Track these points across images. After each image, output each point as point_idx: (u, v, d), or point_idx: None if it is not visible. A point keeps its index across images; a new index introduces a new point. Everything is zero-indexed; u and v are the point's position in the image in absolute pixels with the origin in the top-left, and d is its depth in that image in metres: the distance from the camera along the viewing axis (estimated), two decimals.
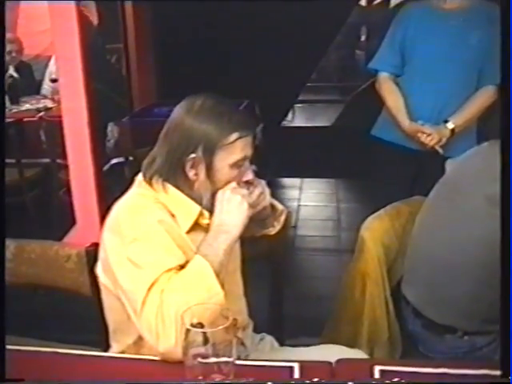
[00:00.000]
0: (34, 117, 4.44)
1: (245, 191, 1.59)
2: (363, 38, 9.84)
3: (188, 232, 1.59)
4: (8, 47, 5.27)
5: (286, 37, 5.26)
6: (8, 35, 5.71)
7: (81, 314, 1.95)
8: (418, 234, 1.99)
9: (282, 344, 1.99)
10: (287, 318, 2.21)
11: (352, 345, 1.88)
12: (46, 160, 4.35)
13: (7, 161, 4.05)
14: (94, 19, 5.40)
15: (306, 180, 5.96)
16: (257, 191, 1.64)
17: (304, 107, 8.51)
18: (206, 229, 1.56)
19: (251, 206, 1.59)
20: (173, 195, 1.60)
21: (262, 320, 2.01)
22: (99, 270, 1.63)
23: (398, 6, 6.12)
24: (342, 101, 7.77)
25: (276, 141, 5.55)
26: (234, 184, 1.59)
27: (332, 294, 3.33)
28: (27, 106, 4.82)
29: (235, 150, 1.55)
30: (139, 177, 1.65)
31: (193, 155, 1.55)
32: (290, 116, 7.41)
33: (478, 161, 1.92)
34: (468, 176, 1.89)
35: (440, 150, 2.82)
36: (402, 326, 1.99)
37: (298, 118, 7.98)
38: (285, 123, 6.97)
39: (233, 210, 1.54)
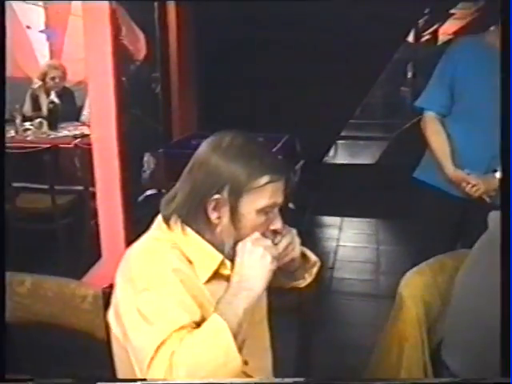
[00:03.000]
0: (69, 143, 4.38)
1: (268, 242, 1.44)
2: (409, 74, 9.69)
3: (207, 282, 1.44)
4: (52, 73, 5.34)
5: (331, 72, 5.19)
6: (53, 61, 5.77)
7: (93, 358, 1.81)
8: (460, 293, 1.80)
9: None
10: (319, 367, 2.03)
11: None
12: (80, 187, 4.28)
13: (40, 187, 4.05)
14: (143, 49, 5.41)
15: (346, 219, 5.79)
16: (284, 241, 1.50)
17: (347, 144, 8.37)
18: (228, 279, 1.41)
19: (277, 258, 1.44)
20: (192, 240, 1.46)
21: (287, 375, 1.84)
22: (111, 316, 1.48)
23: (446, 43, 6.00)
24: (385, 138, 7.61)
25: (317, 178, 5.54)
26: (256, 234, 1.44)
27: (367, 344, 3.20)
28: (65, 133, 4.80)
29: (264, 194, 1.41)
30: (159, 217, 1.52)
31: (217, 196, 1.41)
32: (332, 152, 7.27)
33: None
34: None
35: (487, 199, 2.65)
36: None
37: (340, 155, 7.84)
38: (326, 159, 6.82)
39: (254, 264, 1.39)
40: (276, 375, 1.71)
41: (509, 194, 1.30)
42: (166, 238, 1.45)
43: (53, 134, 4.82)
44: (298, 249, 1.54)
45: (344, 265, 4.70)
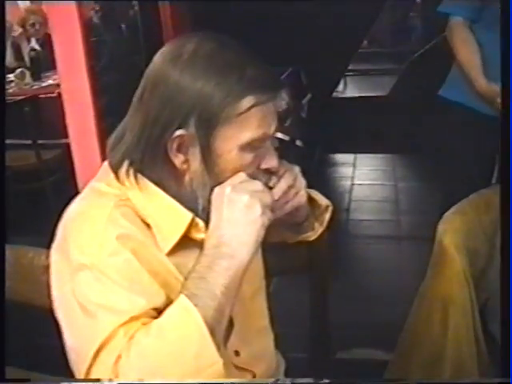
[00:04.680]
0: (52, 93, 3.98)
1: (257, 185, 1.02)
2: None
3: (171, 252, 1.03)
4: (32, 19, 4.97)
5: None
6: (31, 6, 5.37)
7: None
8: None
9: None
10: (336, 324, 1.66)
11: None
12: (66, 140, 3.90)
13: (23, 142, 3.68)
14: None
15: (360, 156, 5.39)
16: (283, 183, 1.09)
17: (356, 77, 7.89)
18: (202, 245, 1.00)
19: (273, 208, 1.03)
20: (150, 195, 1.05)
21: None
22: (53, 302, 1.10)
23: None
24: (395, 70, 7.16)
25: (326, 113, 5.15)
26: (242, 175, 1.02)
27: (392, 293, 2.87)
28: (49, 82, 4.45)
29: (249, 123, 1.00)
30: (105, 163, 1.11)
31: (180, 131, 0.99)
32: (341, 87, 6.84)
33: None
34: None
35: None
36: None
37: (350, 89, 7.38)
38: (336, 94, 6.37)
39: (237, 218, 0.98)
40: (285, 357, 1.35)
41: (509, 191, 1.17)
42: (111, 193, 1.05)
43: (36, 84, 4.53)
44: (303, 193, 1.14)
45: (360, 205, 4.36)
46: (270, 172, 1.07)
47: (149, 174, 1.05)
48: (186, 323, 0.90)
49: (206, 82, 0.98)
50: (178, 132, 0.99)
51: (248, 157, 1.03)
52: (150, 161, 1.04)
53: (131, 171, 1.05)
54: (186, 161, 1.02)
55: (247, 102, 0.99)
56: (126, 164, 1.05)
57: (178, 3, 4.17)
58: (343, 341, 1.76)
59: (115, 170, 1.06)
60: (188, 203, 1.05)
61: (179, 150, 1.01)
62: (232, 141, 1.00)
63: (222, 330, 0.95)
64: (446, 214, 1.48)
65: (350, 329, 2.38)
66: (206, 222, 1.03)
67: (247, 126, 1.00)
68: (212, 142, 1.00)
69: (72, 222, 1.03)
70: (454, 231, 1.41)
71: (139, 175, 1.05)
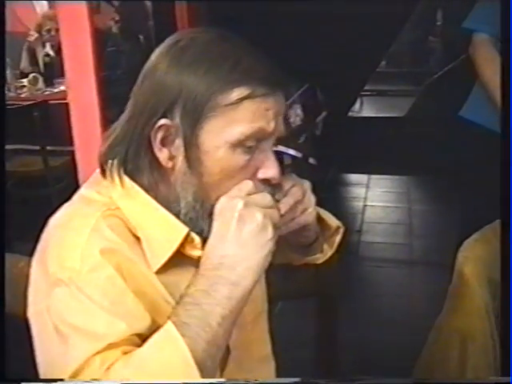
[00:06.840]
0: (63, 99, 3.93)
1: (267, 199, 0.91)
2: (439, 22, 9.03)
3: (161, 270, 0.92)
4: (48, 25, 4.93)
5: (353, 17, 4.68)
6: (48, 12, 5.35)
7: None
8: None
9: None
10: (344, 350, 1.58)
11: None
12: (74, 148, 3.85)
13: (31, 148, 3.64)
14: None
15: (374, 177, 5.31)
16: (290, 199, 0.97)
17: (373, 98, 7.83)
18: (196, 263, 0.89)
19: (278, 225, 0.91)
20: (138, 200, 0.94)
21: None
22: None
23: None
24: (414, 90, 7.10)
25: (341, 132, 5.05)
26: (249, 183, 0.92)
27: (400, 319, 2.78)
28: (61, 88, 4.42)
29: (240, 117, 0.89)
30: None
31: (164, 121, 0.90)
32: (357, 105, 6.78)
33: None
34: None
35: None
36: None
37: (366, 108, 7.32)
38: (352, 113, 6.29)
39: (247, 240, 0.86)
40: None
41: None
42: (99, 201, 0.95)
43: (48, 90, 4.52)
44: (311, 210, 1.01)
45: (372, 227, 4.26)
46: (271, 185, 0.95)
47: (134, 173, 0.95)
48: (171, 356, 0.79)
49: (196, 70, 0.89)
50: (162, 121, 0.90)
51: (240, 159, 0.91)
52: (135, 156, 0.94)
53: (115, 167, 0.95)
54: (172, 157, 0.92)
55: (239, 92, 0.89)
56: (110, 160, 0.96)
57: (195, 16, 4.13)
58: (350, 367, 1.67)
59: (100, 163, 0.97)
60: (170, 207, 0.94)
61: (164, 143, 0.92)
62: (220, 136, 0.90)
63: (215, 364, 0.84)
64: (467, 241, 1.38)
65: (358, 355, 2.30)
66: (191, 229, 0.93)
67: (238, 119, 0.89)
68: (198, 134, 0.90)
69: (54, 231, 0.94)
70: (475, 260, 1.31)
71: (124, 174, 0.95)
